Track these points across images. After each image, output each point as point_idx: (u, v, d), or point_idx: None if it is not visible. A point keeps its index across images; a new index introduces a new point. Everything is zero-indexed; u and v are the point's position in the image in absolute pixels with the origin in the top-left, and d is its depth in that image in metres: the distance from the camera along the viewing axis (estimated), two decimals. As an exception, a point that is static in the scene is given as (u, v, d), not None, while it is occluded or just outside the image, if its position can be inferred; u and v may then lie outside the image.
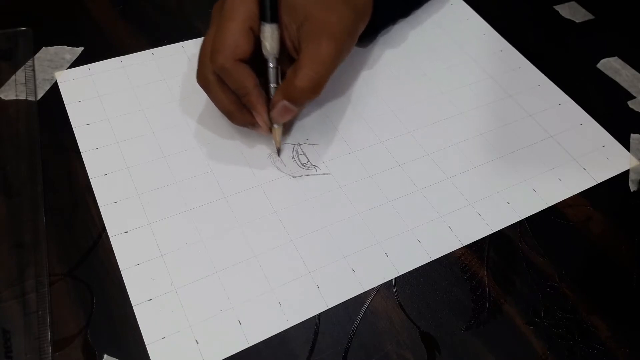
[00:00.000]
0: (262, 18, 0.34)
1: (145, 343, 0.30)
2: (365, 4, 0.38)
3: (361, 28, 0.38)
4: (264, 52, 0.35)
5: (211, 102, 0.38)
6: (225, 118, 0.37)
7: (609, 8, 0.55)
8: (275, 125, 0.37)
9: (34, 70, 0.42)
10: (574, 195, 0.40)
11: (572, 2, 0.56)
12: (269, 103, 0.36)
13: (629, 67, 0.50)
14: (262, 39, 0.35)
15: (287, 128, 0.40)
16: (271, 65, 0.36)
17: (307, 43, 0.34)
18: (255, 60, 0.35)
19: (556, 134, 0.43)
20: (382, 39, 0.48)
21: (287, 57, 0.37)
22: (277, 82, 0.36)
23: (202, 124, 0.40)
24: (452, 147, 0.41)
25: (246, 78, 0.34)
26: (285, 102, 0.35)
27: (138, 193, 0.36)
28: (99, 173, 0.36)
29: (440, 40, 0.49)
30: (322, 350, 0.31)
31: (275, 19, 0.35)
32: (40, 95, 0.40)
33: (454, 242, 0.36)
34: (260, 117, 0.36)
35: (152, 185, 0.36)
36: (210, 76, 0.35)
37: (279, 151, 0.39)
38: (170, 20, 0.47)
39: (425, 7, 0.52)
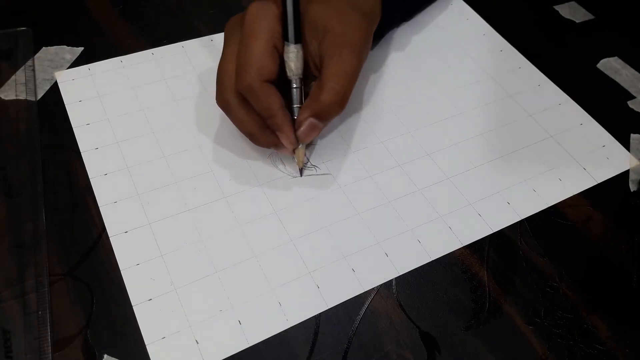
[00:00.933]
0: (286, 38, 0.34)
1: (145, 343, 0.30)
2: (374, 8, 0.38)
3: (372, 33, 0.38)
4: (288, 73, 0.35)
5: (210, 101, 0.39)
6: (246, 139, 0.36)
7: (609, 8, 0.55)
8: (300, 146, 0.36)
9: (34, 70, 0.42)
10: (574, 195, 0.40)
11: (572, 2, 0.56)
12: (293, 123, 0.35)
13: (629, 67, 0.50)
14: (286, 59, 0.34)
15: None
16: (295, 85, 0.35)
17: (330, 58, 0.34)
18: (279, 79, 0.35)
19: (556, 134, 0.43)
20: (382, 39, 0.48)
21: (310, 75, 0.36)
22: (300, 103, 0.35)
23: (202, 124, 0.40)
24: (452, 147, 0.41)
25: (273, 99, 0.33)
26: (312, 120, 0.34)
27: (138, 193, 0.36)
28: (99, 173, 0.36)
29: (440, 40, 0.49)
30: (322, 350, 0.31)
31: (299, 39, 0.34)
32: (40, 95, 0.40)
33: (454, 242, 0.36)
34: (287, 139, 0.35)
35: (152, 185, 0.36)
36: (231, 97, 0.34)
37: (301, 171, 0.38)
38: (170, 20, 0.47)
39: (425, 8, 0.51)
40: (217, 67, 0.35)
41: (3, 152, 0.37)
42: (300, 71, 0.35)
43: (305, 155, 0.38)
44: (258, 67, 0.33)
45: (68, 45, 0.44)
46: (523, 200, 0.39)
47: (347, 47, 0.34)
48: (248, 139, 0.36)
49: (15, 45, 0.43)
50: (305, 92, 0.36)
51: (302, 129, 0.35)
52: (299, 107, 0.35)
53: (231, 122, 0.36)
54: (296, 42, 0.34)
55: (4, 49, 0.42)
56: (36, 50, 0.43)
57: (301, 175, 0.38)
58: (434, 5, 0.52)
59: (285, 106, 0.35)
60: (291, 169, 0.38)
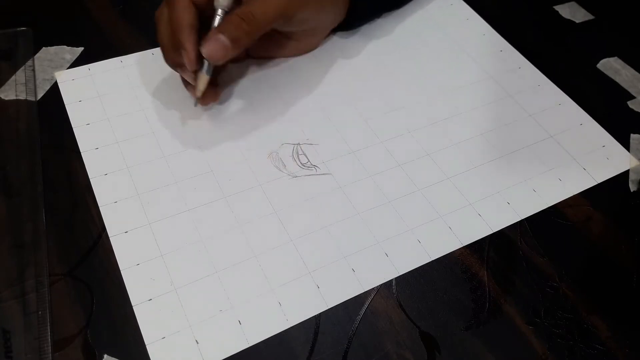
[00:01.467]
0: None
1: (145, 343, 0.30)
2: None
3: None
4: (215, 3, 0.35)
5: (212, 103, 0.39)
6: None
7: (609, 8, 0.55)
8: (204, 71, 0.35)
9: (34, 70, 0.42)
10: (574, 195, 0.40)
11: (572, 2, 0.56)
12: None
13: (629, 67, 0.50)
14: None
15: (287, 133, 0.40)
16: (219, 14, 0.35)
17: None
18: (206, 20, 0.35)
19: (556, 134, 0.43)
20: (382, 39, 0.48)
21: None
22: None
23: (202, 124, 0.40)
24: (452, 147, 0.41)
25: (185, 14, 0.34)
26: (220, 35, 0.34)
27: (138, 193, 0.36)
28: (99, 173, 0.36)
29: (440, 40, 0.49)
30: (322, 350, 0.31)
31: None
32: (40, 95, 0.40)
33: (454, 242, 0.36)
34: (187, 56, 0.34)
35: (152, 185, 0.36)
36: (163, 11, 0.35)
37: (198, 100, 0.37)
38: (170, 20, 0.47)
39: (425, 7, 0.52)
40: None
41: (3, 152, 0.37)
42: (228, 3, 0.35)
43: (202, 86, 0.36)
44: None
45: (68, 45, 0.44)
46: (523, 200, 0.39)
47: None
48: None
49: (15, 45, 0.43)
50: None
51: (206, 43, 0.34)
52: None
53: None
54: None
55: (4, 49, 0.42)
56: (36, 50, 0.43)
57: (195, 105, 0.38)
58: (434, 5, 0.52)
59: (196, 31, 0.34)
60: (291, 169, 0.38)
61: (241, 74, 0.43)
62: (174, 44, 0.35)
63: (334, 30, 0.47)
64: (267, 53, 0.44)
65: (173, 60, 0.36)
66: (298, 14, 0.37)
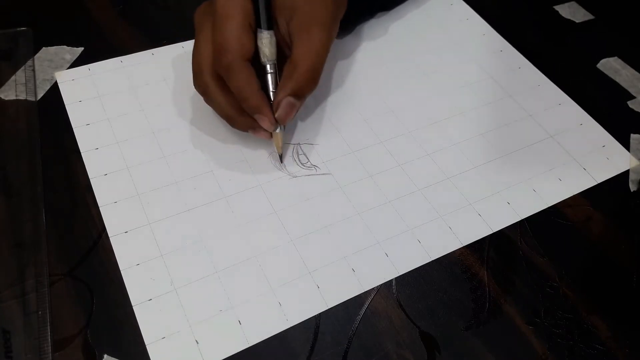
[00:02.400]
0: (259, 25, 0.34)
1: (145, 343, 0.30)
2: None
3: (341, 14, 0.39)
4: (262, 59, 0.35)
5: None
6: (225, 123, 0.37)
7: (609, 8, 0.55)
8: (277, 130, 0.36)
9: (34, 70, 0.42)
10: (574, 195, 0.40)
11: (572, 2, 0.56)
12: (270, 106, 0.35)
13: (629, 67, 0.50)
14: (260, 46, 0.35)
15: (286, 133, 0.40)
16: (270, 70, 0.36)
17: (300, 35, 0.35)
18: (255, 64, 0.35)
19: (556, 134, 0.43)
20: (382, 39, 0.48)
21: (282, 55, 0.37)
22: (275, 87, 0.36)
23: (202, 124, 0.40)
24: (452, 147, 0.41)
25: (251, 79, 0.34)
26: (290, 98, 0.35)
27: (138, 193, 0.36)
28: (99, 173, 0.36)
29: (440, 40, 0.49)
30: (322, 350, 0.31)
31: (271, 25, 0.35)
32: (40, 95, 0.40)
33: (454, 242, 0.36)
34: (266, 119, 0.35)
35: (152, 185, 0.36)
36: (209, 80, 0.35)
37: (281, 157, 0.38)
38: (170, 20, 0.47)
39: (425, 7, 0.52)
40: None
41: (3, 152, 0.37)
42: (274, 57, 0.35)
43: (281, 142, 0.37)
44: (236, 45, 0.33)
45: (68, 45, 0.44)
46: (523, 200, 0.39)
47: (315, 24, 0.35)
48: (227, 123, 0.37)
49: (15, 45, 0.43)
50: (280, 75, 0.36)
51: (280, 108, 0.35)
52: (275, 92, 0.36)
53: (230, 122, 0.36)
54: (268, 29, 0.35)
55: (4, 49, 0.42)
56: (36, 50, 0.43)
57: (282, 162, 0.38)
58: (433, 5, 0.52)
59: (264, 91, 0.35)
60: (291, 169, 0.38)
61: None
62: (241, 111, 0.35)
63: None
64: None
65: (244, 125, 0.36)
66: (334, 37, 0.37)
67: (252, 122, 0.36)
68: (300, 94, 0.35)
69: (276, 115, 0.35)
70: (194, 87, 0.37)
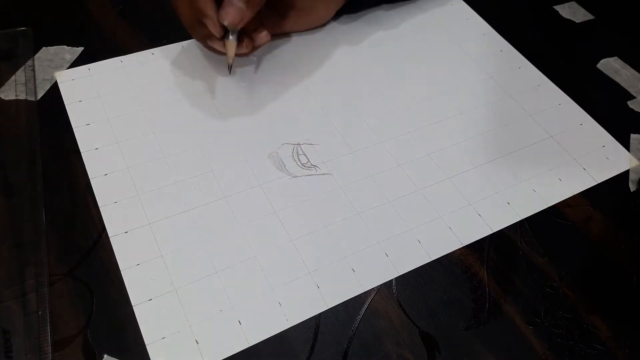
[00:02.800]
0: None
1: (145, 343, 0.30)
2: None
3: None
4: None
5: (209, 101, 0.39)
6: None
7: (609, 8, 0.55)
8: (230, 37, 0.37)
9: (34, 70, 0.42)
10: (574, 195, 0.40)
11: (572, 2, 0.56)
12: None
13: (629, 67, 0.50)
14: None
15: (286, 133, 0.40)
16: None
17: None
18: None
19: (556, 134, 0.43)
20: (382, 39, 0.48)
21: None
22: None
23: (202, 124, 0.40)
24: (452, 147, 0.41)
25: None
26: (234, 0, 0.35)
27: (138, 193, 0.36)
28: (99, 173, 0.36)
29: (440, 40, 0.49)
30: (322, 350, 0.31)
31: None
32: (40, 95, 0.40)
33: (454, 242, 0.36)
34: (211, 22, 0.36)
35: (152, 185, 0.36)
36: None
37: (230, 67, 0.39)
38: (170, 20, 0.47)
39: (425, 7, 0.52)
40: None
41: (3, 152, 0.37)
42: None
43: (232, 52, 0.38)
44: None
45: (68, 45, 0.44)
46: (523, 200, 0.39)
47: None
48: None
49: (15, 45, 0.43)
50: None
51: (223, 10, 0.35)
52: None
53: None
54: None
55: (4, 49, 0.42)
56: (36, 50, 0.43)
57: (230, 72, 0.39)
58: (433, 5, 0.52)
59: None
60: (291, 169, 0.38)
61: (241, 75, 0.43)
62: (197, 19, 0.37)
63: (340, 13, 0.47)
64: (280, 28, 0.45)
65: (201, 34, 0.38)
66: None
67: (207, 31, 0.37)
68: None
69: (219, 18, 0.36)
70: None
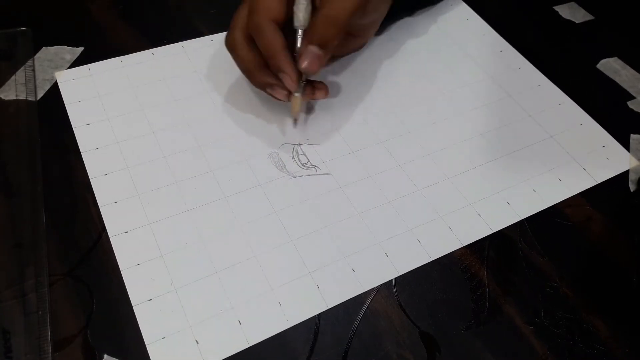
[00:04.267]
0: None
1: (145, 343, 0.30)
2: None
3: None
4: (295, 23, 0.36)
5: (210, 101, 0.39)
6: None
7: (609, 8, 0.55)
8: (296, 94, 0.36)
9: (34, 70, 0.42)
10: (574, 195, 0.40)
11: (572, 3, 0.56)
12: (295, 67, 0.35)
13: (628, 67, 0.50)
14: (295, 10, 0.36)
15: (286, 133, 0.40)
16: (300, 34, 0.36)
17: None
18: (287, 31, 0.36)
19: (556, 134, 0.43)
20: (382, 39, 0.48)
21: None
22: None
23: (202, 124, 0.40)
24: (452, 147, 0.41)
25: (277, 38, 0.35)
26: (313, 47, 0.35)
27: (138, 193, 0.36)
28: (99, 173, 0.36)
29: (440, 40, 0.49)
30: (322, 350, 0.31)
31: None
32: (40, 95, 0.40)
33: (454, 242, 0.36)
34: (288, 77, 0.35)
35: (152, 185, 0.36)
36: (238, 36, 0.36)
37: (295, 121, 0.39)
38: (170, 20, 0.47)
39: (425, 8, 0.52)
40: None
41: (3, 152, 0.37)
42: (307, 22, 0.36)
43: (299, 107, 0.38)
44: (268, 9, 0.34)
45: (68, 45, 0.44)
46: (523, 200, 0.39)
47: None
48: (247, 79, 0.38)
49: (15, 45, 0.43)
50: None
51: (302, 57, 0.35)
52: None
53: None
54: None
55: (4, 49, 0.42)
56: (36, 50, 0.43)
57: (295, 127, 0.39)
58: (433, 5, 0.52)
59: (290, 51, 0.35)
60: (291, 169, 0.38)
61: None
62: (261, 67, 0.36)
63: None
64: (337, 53, 0.44)
65: (261, 81, 0.37)
66: (369, 4, 0.37)
67: (270, 79, 0.36)
68: (323, 42, 0.34)
69: (300, 66, 0.35)
70: (224, 44, 0.38)
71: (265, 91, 0.37)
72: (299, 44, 0.36)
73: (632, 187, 0.41)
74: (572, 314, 0.34)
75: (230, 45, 0.37)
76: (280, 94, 0.37)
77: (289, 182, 0.38)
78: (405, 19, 0.50)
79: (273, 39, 0.35)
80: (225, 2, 0.49)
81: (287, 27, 0.36)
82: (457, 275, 0.35)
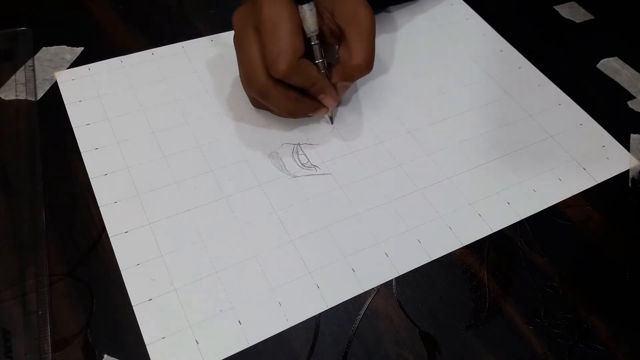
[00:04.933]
0: (299, 2, 0.35)
1: (145, 343, 0.30)
2: None
3: None
4: (307, 32, 0.37)
5: (209, 101, 0.39)
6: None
7: (609, 8, 0.55)
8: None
9: (34, 70, 0.42)
10: (574, 195, 0.40)
11: (572, 2, 0.56)
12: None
13: (628, 67, 0.50)
14: (303, 19, 0.36)
15: (287, 133, 0.40)
16: (314, 42, 0.37)
17: (350, 25, 0.37)
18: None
19: (556, 134, 0.43)
20: (382, 39, 0.48)
21: (326, 42, 0.39)
22: (320, 57, 0.38)
23: (202, 124, 0.40)
24: (452, 147, 0.41)
25: (311, 70, 0.36)
26: (344, 82, 0.38)
27: (138, 193, 0.36)
28: (99, 173, 0.36)
29: (440, 40, 0.49)
30: (322, 350, 0.31)
31: None
32: (40, 95, 0.40)
33: (454, 242, 0.36)
34: (331, 98, 0.38)
35: (152, 185, 0.36)
36: (267, 81, 0.35)
37: (332, 119, 0.41)
38: (170, 20, 0.47)
39: (425, 7, 0.52)
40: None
41: (3, 152, 0.37)
42: (316, 26, 0.37)
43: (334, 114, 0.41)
44: (292, 51, 0.34)
45: (68, 45, 0.44)
46: (523, 200, 0.39)
47: (362, 13, 0.37)
48: (290, 117, 0.39)
49: (15, 45, 0.43)
50: (328, 62, 0.39)
51: (339, 91, 0.39)
52: (321, 62, 0.38)
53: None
54: (309, 1, 0.36)
55: (4, 49, 0.42)
56: (36, 50, 0.43)
57: (332, 123, 0.41)
58: (433, 5, 0.52)
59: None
60: (291, 169, 0.38)
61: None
62: (300, 102, 0.37)
63: None
64: None
65: (304, 113, 0.39)
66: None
67: (313, 105, 0.38)
68: (354, 78, 0.39)
69: (338, 98, 0.39)
70: (245, 90, 0.38)
71: (307, 115, 0.39)
72: (315, 52, 0.37)
73: (631, 187, 0.41)
74: (572, 314, 0.34)
75: (260, 93, 0.36)
76: (323, 111, 0.39)
77: (289, 182, 0.38)
78: (405, 18, 0.50)
79: (311, 71, 0.36)
80: (225, 2, 0.49)
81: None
82: (457, 275, 0.35)
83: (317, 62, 0.38)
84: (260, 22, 0.34)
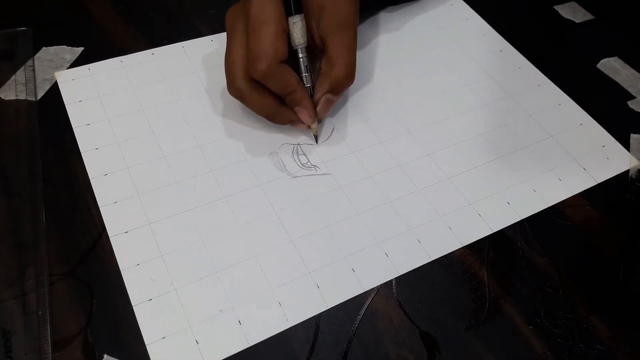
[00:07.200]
0: (288, 13, 0.36)
1: (145, 343, 0.30)
2: None
3: (359, 9, 0.40)
4: (294, 44, 0.37)
5: (210, 101, 0.39)
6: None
7: (609, 8, 0.55)
8: (314, 123, 0.39)
9: (34, 70, 0.42)
10: (574, 195, 0.40)
11: (572, 2, 0.56)
12: (310, 97, 0.38)
13: (629, 67, 0.50)
14: (291, 31, 0.36)
15: (288, 131, 0.40)
16: (301, 55, 0.37)
17: (331, 36, 0.37)
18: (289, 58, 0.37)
19: (556, 134, 0.43)
20: (382, 39, 0.48)
21: (313, 51, 0.39)
22: (307, 71, 0.38)
23: (203, 123, 0.40)
24: (452, 147, 0.41)
25: (291, 77, 0.36)
26: (328, 95, 0.38)
27: (138, 193, 0.36)
28: (99, 173, 0.36)
29: (440, 40, 0.49)
30: (322, 350, 0.31)
31: (300, 9, 0.36)
32: (40, 95, 0.40)
33: (454, 242, 0.36)
34: (307, 113, 0.37)
35: (152, 185, 0.36)
36: (244, 85, 0.36)
37: (317, 138, 0.40)
38: (170, 20, 0.47)
39: (425, 7, 0.52)
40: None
41: (3, 152, 0.37)
42: (304, 39, 0.37)
43: (319, 132, 0.40)
44: (273, 52, 0.34)
45: (68, 45, 0.44)
46: (523, 200, 0.39)
47: (345, 25, 0.37)
48: (268, 120, 0.38)
49: (15, 45, 0.43)
50: (313, 70, 0.39)
51: (320, 105, 0.38)
52: (307, 76, 0.38)
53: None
54: (298, 13, 0.36)
55: (4, 49, 0.42)
56: (36, 50, 0.43)
57: (317, 142, 0.40)
58: (433, 5, 0.52)
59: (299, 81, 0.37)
60: (291, 169, 0.38)
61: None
62: (280, 108, 0.37)
63: None
64: None
65: (283, 120, 0.38)
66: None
67: (291, 115, 0.38)
68: (337, 91, 0.38)
69: (317, 110, 0.38)
70: (228, 92, 0.37)
71: (287, 124, 0.39)
72: (302, 64, 0.37)
73: (631, 186, 0.41)
74: (572, 314, 0.34)
75: (237, 95, 0.37)
76: (302, 126, 0.39)
77: (289, 182, 0.38)
78: (405, 18, 0.50)
79: (287, 80, 0.36)
80: (225, 2, 0.49)
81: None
82: (457, 276, 0.35)
83: (302, 75, 0.37)
84: (247, 20, 0.35)
